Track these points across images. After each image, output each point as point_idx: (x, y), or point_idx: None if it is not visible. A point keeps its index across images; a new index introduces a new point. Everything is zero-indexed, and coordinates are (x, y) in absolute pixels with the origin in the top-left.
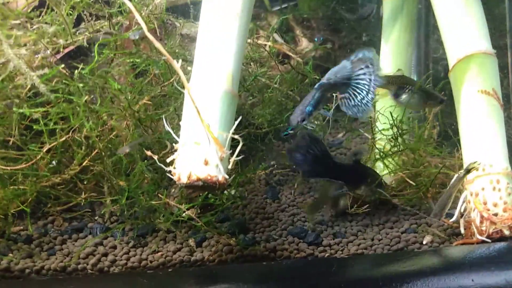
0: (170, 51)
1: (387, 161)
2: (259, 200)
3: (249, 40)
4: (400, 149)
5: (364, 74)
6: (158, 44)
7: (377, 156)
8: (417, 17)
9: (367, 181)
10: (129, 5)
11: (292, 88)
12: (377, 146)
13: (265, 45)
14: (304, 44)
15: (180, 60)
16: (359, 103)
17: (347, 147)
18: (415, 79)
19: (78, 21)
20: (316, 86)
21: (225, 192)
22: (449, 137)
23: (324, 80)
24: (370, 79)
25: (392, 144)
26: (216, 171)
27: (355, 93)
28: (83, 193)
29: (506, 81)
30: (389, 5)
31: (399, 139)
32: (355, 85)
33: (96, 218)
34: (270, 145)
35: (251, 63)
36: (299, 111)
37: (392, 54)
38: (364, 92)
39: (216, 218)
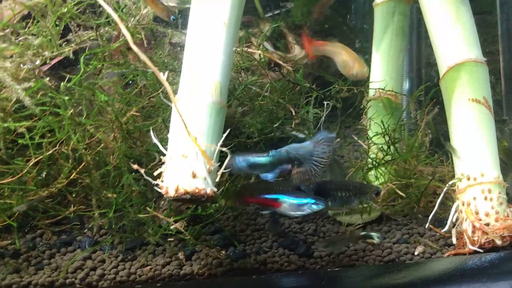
0: (159, 61)
1: (379, 170)
2: (251, 210)
3: (238, 49)
4: (391, 159)
5: (324, 152)
6: (143, 56)
7: (369, 166)
8: (409, 23)
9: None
10: (114, 16)
11: (283, 96)
12: (370, 154)
13: (255, 53)
14: (297, 51)
15: (167, 72)
16: (312, 176)
17: (340, 155)
18: (407, 85)
19: (67, 31)
20: (270, 153)
21: (216, 203)
22: (442, 145)
23: (281, 151)
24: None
25: (384, 153)
26: (204, 184)
27: (311, 169)
28: (71, 206)
29: (498, 87)
30: (380, 12)
31: (391, 148)
32: (314, 162)
33: (85, 231)
34: None
35: (242, 72)
36: (240, 157)
37: (384, 61)
38: (318, 168)
39: (207, 231)
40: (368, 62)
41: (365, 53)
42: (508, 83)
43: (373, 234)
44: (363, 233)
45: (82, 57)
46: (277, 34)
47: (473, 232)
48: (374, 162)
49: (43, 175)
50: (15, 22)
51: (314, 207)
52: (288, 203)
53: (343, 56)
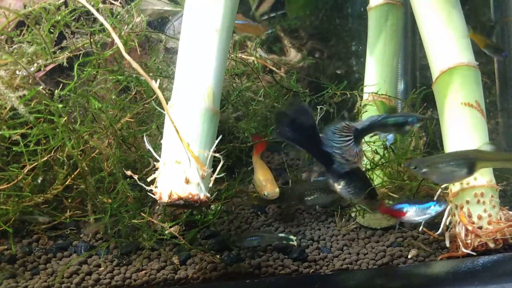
0: (153, 67)
1: (375, 173)
2: (246, 214)
3: (232, 55)
4: (384, 162)
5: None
6: (135, 65)
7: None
8: (403, 25)
9: (349, 178)
10: (106, 25)
11: (278, 101)
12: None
13: (248, 59)
14: (292, 54)
15: (159, 80)
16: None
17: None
18: (402, 88)
19: (62, 38)
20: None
21: (212, 207)
22: (437, 147)
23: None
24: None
25: (378, 156)
26: (197, 190)
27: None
28: (67, 211)
29: (493, 88)
30: (374, 16)
31: (384, 152)
32: None
33: (81, 236)
34: None
35: (236, 77)
36: None
37: (378, 65)
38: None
39: (202, 235)
40: (362, 65)
41: (360, 56)
42: (501, 85)
43: (291, 237)
44: (282, 234)
45: (76, 64)
46: (273, 37)
47: (466, 235)
48: (371, 164)
49: (39, 181)
50: (9, 30)
51: (438, 207)
52: (413, 210)
53: (257, 175)
